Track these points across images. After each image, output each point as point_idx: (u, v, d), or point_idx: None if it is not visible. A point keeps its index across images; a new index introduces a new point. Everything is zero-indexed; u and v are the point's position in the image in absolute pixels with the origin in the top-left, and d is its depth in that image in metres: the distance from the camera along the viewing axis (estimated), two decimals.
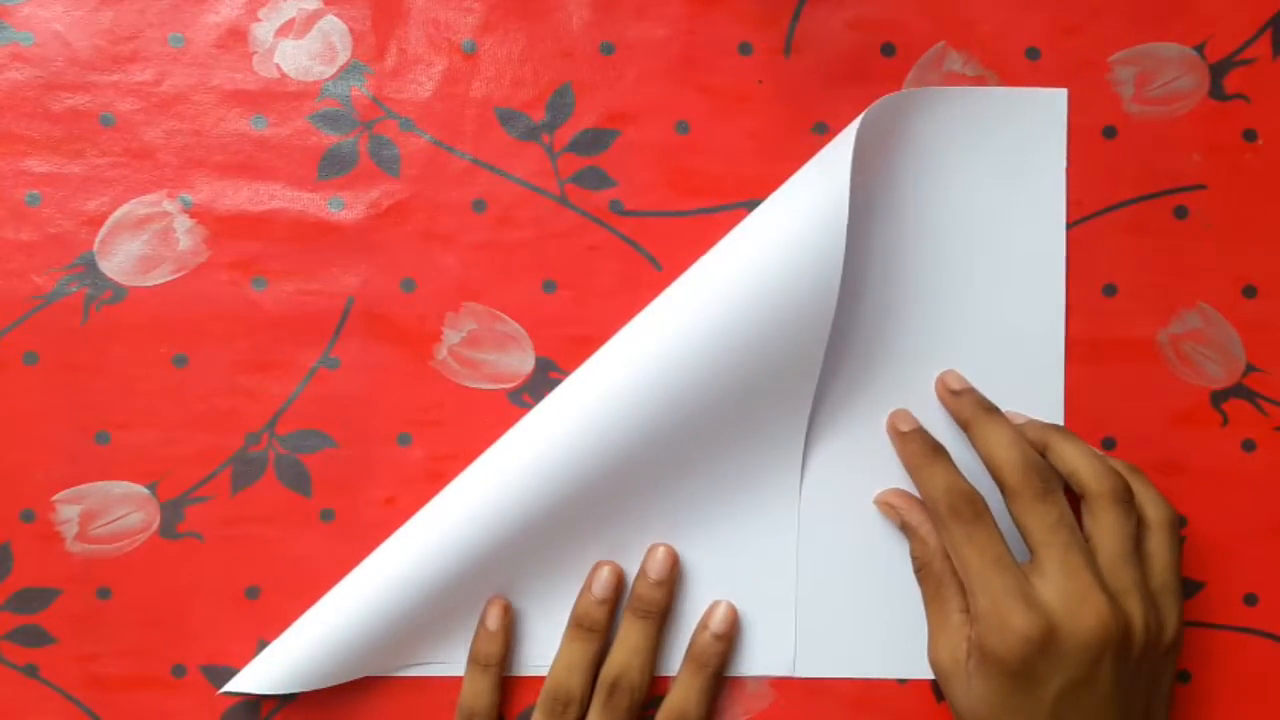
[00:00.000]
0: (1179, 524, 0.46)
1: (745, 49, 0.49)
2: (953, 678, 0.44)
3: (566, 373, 0.49)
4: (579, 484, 0.47)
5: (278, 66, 0.49)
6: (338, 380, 0.49)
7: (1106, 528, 0.44)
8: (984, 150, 0.49)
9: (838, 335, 0.48)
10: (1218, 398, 0.49)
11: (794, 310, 0.46)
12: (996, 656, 0.42)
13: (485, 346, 0.49)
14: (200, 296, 0.49)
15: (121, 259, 0.49)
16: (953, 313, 0.49)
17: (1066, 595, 0.42)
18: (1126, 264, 0.49)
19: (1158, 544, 0.45)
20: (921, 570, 0.47)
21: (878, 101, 0.47)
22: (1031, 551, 0.44)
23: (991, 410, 0.46)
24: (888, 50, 0.50)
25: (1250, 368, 0.49)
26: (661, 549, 0.47)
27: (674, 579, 0.47)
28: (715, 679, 0.47)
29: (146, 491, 0.49)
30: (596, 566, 0.48)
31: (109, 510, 0.48)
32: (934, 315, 0.49)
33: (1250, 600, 0.49)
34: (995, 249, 0.49)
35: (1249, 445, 0.49)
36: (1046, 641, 0.42)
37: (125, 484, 0.48)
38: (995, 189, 0.49)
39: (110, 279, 0.49)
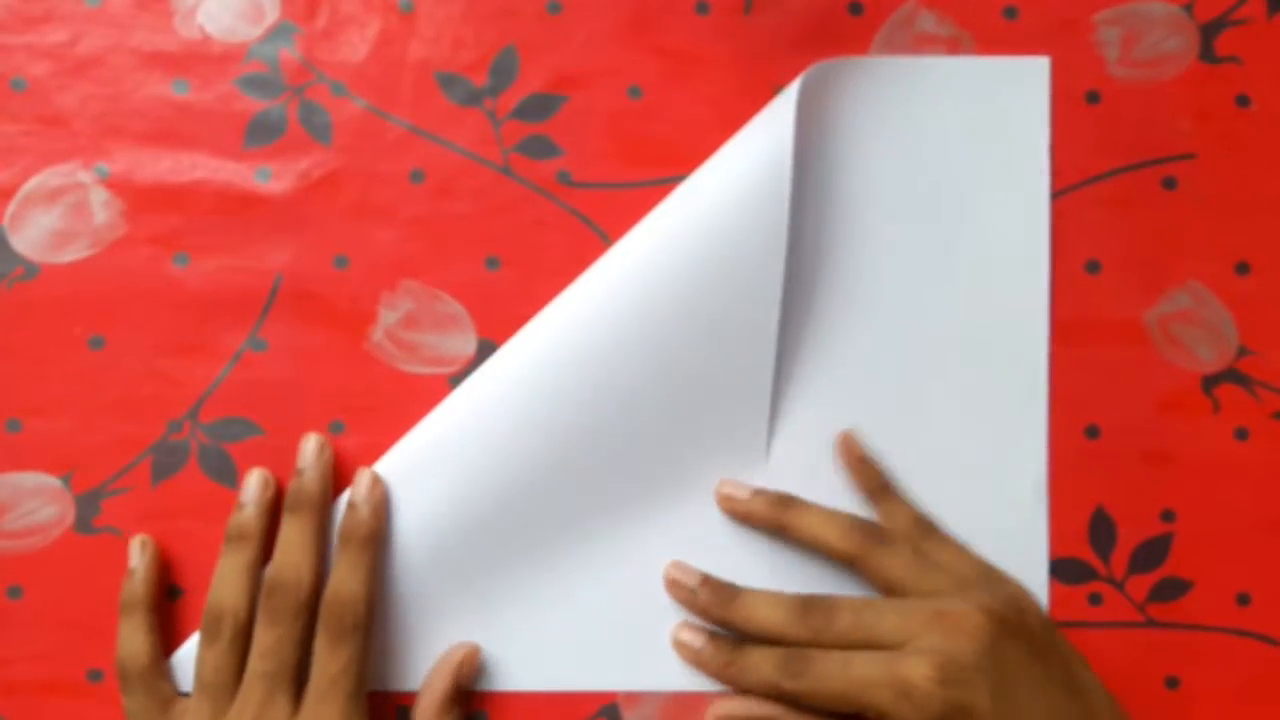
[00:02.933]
0: (933, 523, 0.47)
1: (702, 8, 0.49)
2: None
3: None
4: (521, 474, 0.45)
5: (201, 27, 0.48)
6: (265, 364, 0.48)
7: (887, 573, 0.44)
8: (963, 123, 0.48)
9: (808, 316, 0.47)
10: (1209, 383, 0.48)
11: (739, 287, 0.45)
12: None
13: (424, 328, 0.48)
14: (118, 274, 0.48)
15: (33, 234, 0.48)
16: (931, 293, 0.48)
17: (930, 636, 0.42)
18: (1111, 239, 0.48)
19: (939, 549, 0.46)
20: None
21: (825, 63, 0.47)
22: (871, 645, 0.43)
23: (794, 500, 0.46)
24: (855, 9, 0.49)
25: (1243, 350, 0.48)
26: (312, 436, 0.46)
27: (325, 466, 0.45)
28: (369, 552, 0.44)
29: (60, 483, 0.47)
30: (247, 473, 0.46)
31: (20, 504, 0.47)
32: (911, 296, 0.48)
33: (1242, 600, 0.48)
34: (975, 227, 0.48)
35: (1241, 434, 0.48)
36: (952, 669, 0.41)
37: (37, 475, 0.47)
38: (975, 164, 0.48)
39: (21, 255, 0.48)
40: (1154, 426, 0.48)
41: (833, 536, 0.45)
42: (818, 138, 0.48)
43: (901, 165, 0.48)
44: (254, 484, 0.45)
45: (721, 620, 0.45)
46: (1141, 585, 0.48)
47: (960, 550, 0.46)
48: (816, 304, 0.48)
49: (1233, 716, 0.47)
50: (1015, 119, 0.48)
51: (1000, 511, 0.47)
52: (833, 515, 0.45)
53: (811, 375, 0.47)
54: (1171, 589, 0.48)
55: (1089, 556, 0.48)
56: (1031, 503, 0.47)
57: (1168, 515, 0.48)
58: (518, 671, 0.46)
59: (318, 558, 0.44)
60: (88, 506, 0.47)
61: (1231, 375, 0.48)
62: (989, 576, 0.45)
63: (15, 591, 0.47)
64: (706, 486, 0.47)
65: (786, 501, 0.46)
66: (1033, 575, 0.47)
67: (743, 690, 0.45)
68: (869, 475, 0.47)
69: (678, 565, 0.46)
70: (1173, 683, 0.48)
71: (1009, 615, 0.43)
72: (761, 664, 0.44)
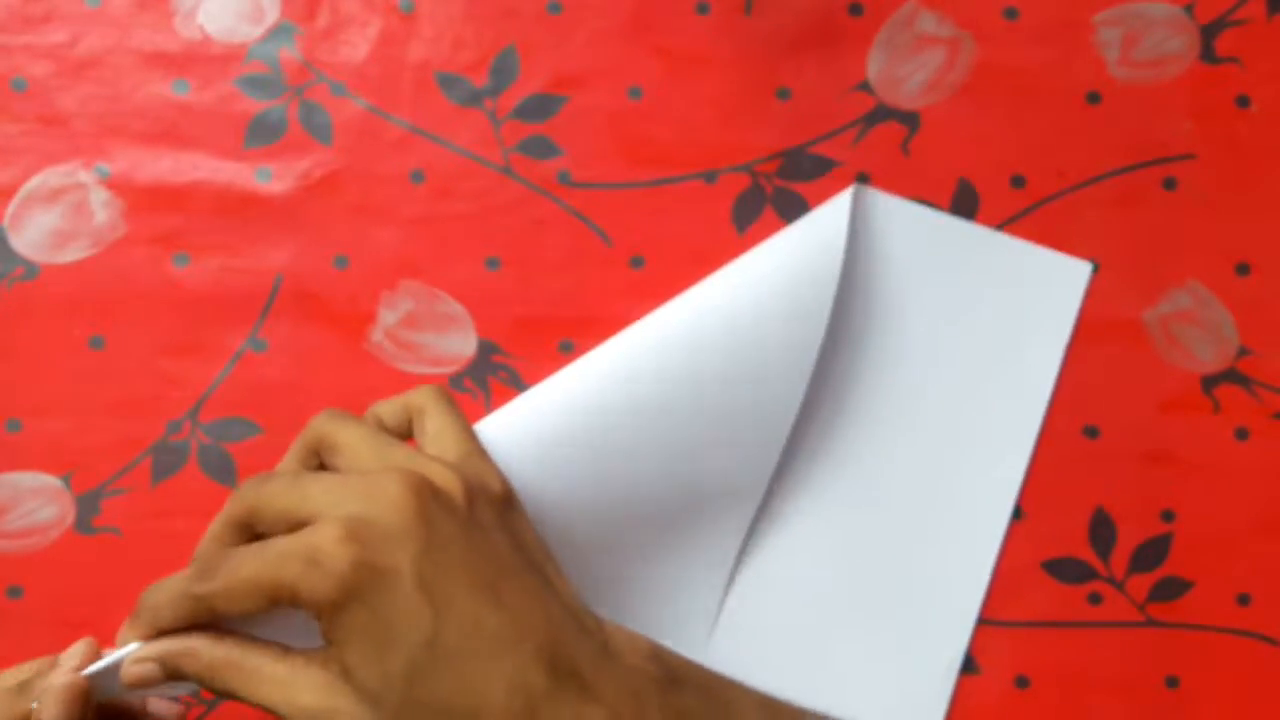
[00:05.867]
0: (442, 393, 0.41)
1: (703, 8, 0.49)
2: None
3: (510, 355, 0.48)
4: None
5: (201, 27, 0.48)
6: (265, 364, 0.48)
7: (344, 454, 0.38)
8: (990, 297, 0.48)
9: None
10: (1209, 383, 0.48)
11: (762, 385, 0.44)
12: (335, 595, 0.35)
13: (424, 328, 0.48)
14: (118, 274, 0.48)
15: (33, 234, 0.48)
16: (907, 453, 0.48)
17: (348, 503, 0.36)
18: (1111, 239, 0.48)
19: (435, 421, 0.40)
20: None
21: (871, 192, 0.47)
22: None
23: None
24: (855, 9, 0.49)
25: (1243, 350, 0.48)
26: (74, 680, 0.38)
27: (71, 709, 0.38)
28: None
29: (60, 483, 0.47)
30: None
31: (20, 503, 0.47)
32: (888, 449, 0.48)
33: (1243, 600, 0.48)
34: (971, 406, 0.48)
35: (1242, 434, 0.48)
36: (363, 530, 0.35)
37: (37, 475, 0.47)
38: (989, 342, 0.48)
39: (21, 255, 0.48)
40: (1154, 426, 0.48)
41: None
42: (849, 266, 0.48)
43: (920, 318, 0.48)
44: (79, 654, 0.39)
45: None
46: (1141, 585, 0.48)
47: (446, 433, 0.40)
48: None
49: (1233, 716, 0.47)
50: (1041, 312, 0.48)
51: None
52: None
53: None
54: (1171, 589, 0.48)
55: (1089, 556, 0.48)
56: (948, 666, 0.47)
57: (1168, 515, 0.48)
58: None
59: None
60: (88, 506, 0.47)
61: (1231, 375, 0.48)
62: (471, 456, 0.39)
63: (15, 591, 0.47)
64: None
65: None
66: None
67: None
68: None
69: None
70: (1173, 682, 0.47)
71: (448, 486, 0.37)
72: (170, 584, 0.37)
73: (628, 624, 0.39)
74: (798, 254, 0.46)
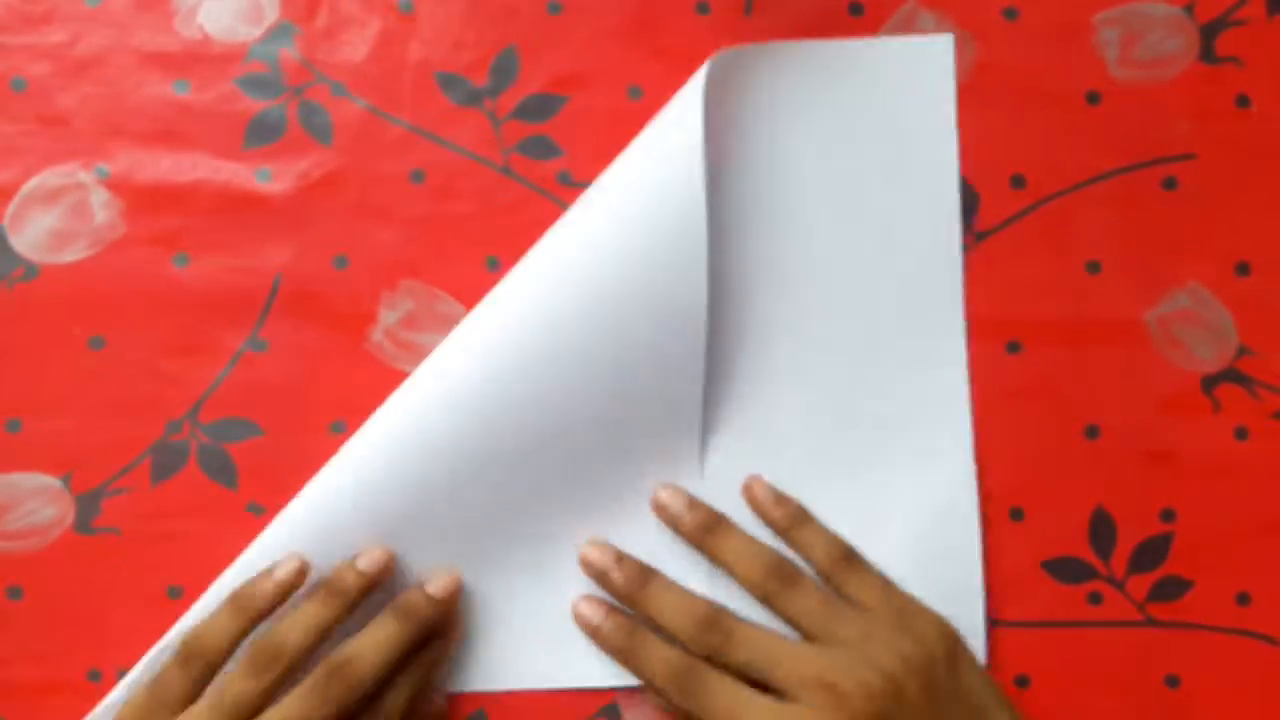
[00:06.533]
0: (852, 552, 0.46)
1: (703, 8, 0.49)
2: None
3: None
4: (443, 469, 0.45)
5: (201, 27, 0.48)
6: (265, 364, 0.48)
7: (794, 616, 0.45)
8: (870, 105, 0.48)
9: (732, 319, 0.48)
10: (1209, 383, 0.48)
11: (665, 290, 0.45)
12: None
13: (424, 328, 0.48)
14: (118, 274, 0.48)
15: (33, 234, 0.48)
16: (847, 285, 0.48)
17: (814, 702, 0.43)
18: (1111, 239, 0.48)
19: (856, 584, 0.46)
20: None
21: (729, 51, 0.46)
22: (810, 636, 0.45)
23: (720, 523, 0.46)
24: (855, 10, 0.49)
25: (1243, 350, 0.48)
26: (448, 572, 0.45)
27: (451, 602, 0.45)
28: (407, 634, 0.44)
29: (60, 484, 0.47)
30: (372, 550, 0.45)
31: (20, 504, 0.47)
32: (829, 289, 0.48)
33: (1242, 600, 0.48)
34: (886, 212, 0.48)
35: (1241, 433, 0.48)
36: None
37: (37, 475, 0.47)
38: (883, 148, 0.48)
39: (21, 255, 0.48)
40: (1154, 426, 0.48)
41: (746, 572, 0.45)
42: (727, 130, 0.47)
43: (812, 152, 0.48)
44: (378, 558, 0.44)
45: (630, 605, 0.46)
46: (1141, 585, 0.47)
47: (876, 585, 0.46)
48: (740, 304, 0.47)
49: (1233, 716, 0.47)
50: (922, 98, 0.48)
51: (928, 521, 0.47)
52: (750, 550, 0.45)
53: (741, 378, 0.47)
54: (1171, 589, 0.47)
55: (1089, 556, 0.47)
56: (960, 486, 0.47)
57: (1168, 515, 0.48)
58: (517, 670, 0.46)
59: (389, 669, 0.43)
60: (88, 507, 0.47)
61: (1231, 375, 0.48)
62: (903, 617, 0.45)
63: (15, 592, 0.47)
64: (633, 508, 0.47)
65: (712, 525, 0.46)
66: (965, 580, 0.47)
67: (634, 674, 0.45)
68: (781, 514, 0.47)
69: (594, 544, 0.46)
70: (1173, 682, 0.47)
71: (905, 682, 0.42)
72: (656, 666, 0.44)
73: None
74: (658, 140, 0.46)
